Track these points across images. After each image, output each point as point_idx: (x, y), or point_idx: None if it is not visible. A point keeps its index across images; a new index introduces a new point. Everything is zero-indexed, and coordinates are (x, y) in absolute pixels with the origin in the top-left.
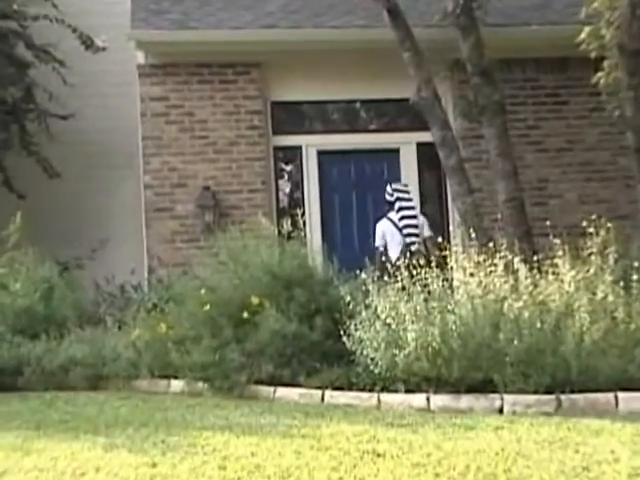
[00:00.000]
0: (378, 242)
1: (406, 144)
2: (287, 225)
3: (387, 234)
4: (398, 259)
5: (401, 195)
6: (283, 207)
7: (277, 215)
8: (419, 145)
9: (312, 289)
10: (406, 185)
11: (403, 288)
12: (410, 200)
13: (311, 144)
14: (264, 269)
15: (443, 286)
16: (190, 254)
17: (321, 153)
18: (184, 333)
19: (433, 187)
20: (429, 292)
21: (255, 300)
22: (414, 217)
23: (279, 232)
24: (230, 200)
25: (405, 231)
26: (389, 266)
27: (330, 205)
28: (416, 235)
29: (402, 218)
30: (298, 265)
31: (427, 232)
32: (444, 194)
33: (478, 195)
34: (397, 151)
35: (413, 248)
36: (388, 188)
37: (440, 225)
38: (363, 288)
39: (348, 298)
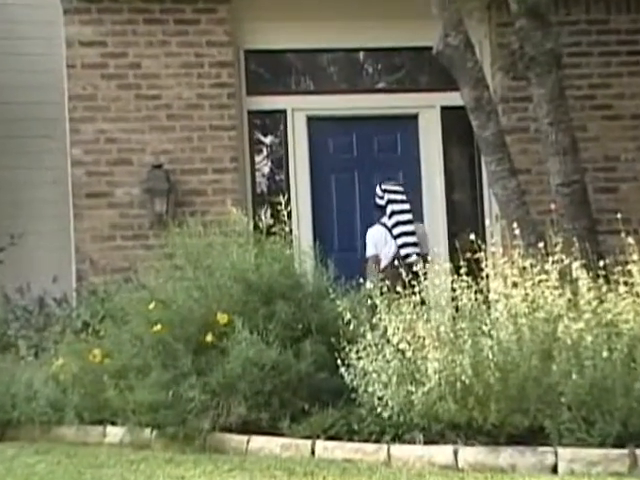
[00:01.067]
0: (370, 251)
1: (427, 109)
2: (266, 217)
3: (380, 243)
4: (386, 268)
5: (393, 197)
6: (261, 193)
7: (253, 204)
8: (444, 110)
9: (300, 303)
10: (400, 184)
11: (422, 302)
12: (405, 203)
13: (298, 108)
14: (235, 276)
15: (476, 300)
16: (135, 255)
17: (312, 120)
18: (126, 363)
19: (463, 167)
20: (457, 308)
21: (223, 318)
22: (410, 223)
23: (256, 226)
24: (190, 183)
25: (400, 240)
26: (382, 276)
27: (324, 190)
28: (414, 245)
29: (396, 225)
30: (281, 271)
31: (425, 247)
32: (478, 177)
33: (524, 178)
34: (415, 118)
35: (409, 260)
36: (377, 189)
37: (472, 218)
38: (368, 302)
39: (348, 316)
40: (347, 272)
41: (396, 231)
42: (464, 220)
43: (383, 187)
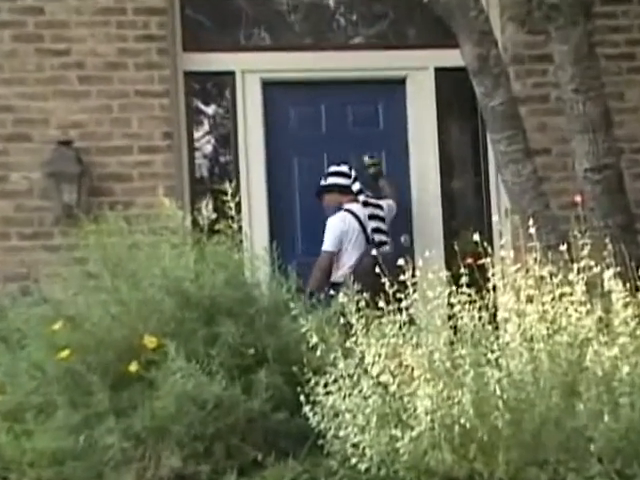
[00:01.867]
0: (330, 245)
1: (417, 71)
2: (208, 210)
3: (347, 234)
4: (354, 272)
5: (378, 170)
6: (202, 179)
7: (191, 193)
8: (440, 72)
9: (251, 322)
10: (372, 157)
11: (410, 322)
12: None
13: (251, 69)
14: (168, 287)
15: (480, 319)
16: (35, 259)
17: (269, 85)
18: (22, 400)
19: (463, 147)
20: (455, 330)
21: (151, 341)
22: (380, 207)
23: (195, 223)
24: (108, 165)
25: (372, 224)
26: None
27: (284, 177)
28: (386, 234)
29: (366, 205)
30: (227, 280)
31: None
32: (482, 159)
33: (542, 161)
34: (402, 82)
35: (385, 249)
36: (342, 167)
37: (475, 213)
38: (341, 321)
39: (314, 339)
40: None
41: (367, 211)
42: (465, 215)
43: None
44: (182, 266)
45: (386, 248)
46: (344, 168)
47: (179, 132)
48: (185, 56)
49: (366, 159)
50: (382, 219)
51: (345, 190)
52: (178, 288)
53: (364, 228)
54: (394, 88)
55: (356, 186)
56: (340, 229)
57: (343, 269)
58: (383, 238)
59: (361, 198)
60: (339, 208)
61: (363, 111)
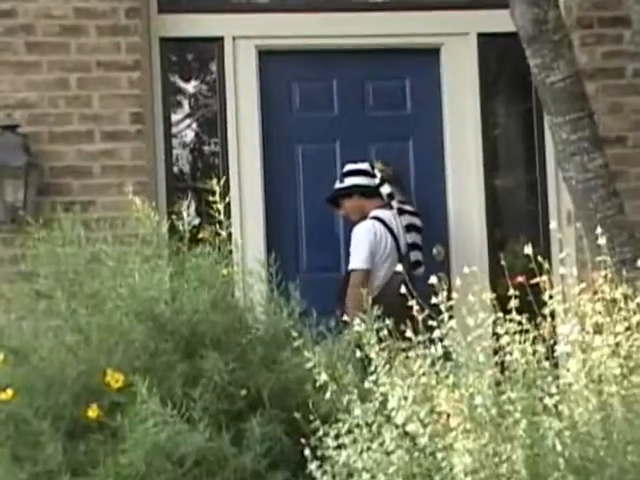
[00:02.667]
0: (361, 262)
1: (456, 37)
2: (190, 214)
3: (378, 249)
4: (379, 297)
5: (388, 177)
6: (181, 174)
7: (168, 191)
8: (484, 39)
9: (243, 355)
10: (387, 165)
11: (446, 357)
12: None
13: (243, 34)
14: (138, 310)
15: (534, 354)
16: None
17: (266, 54)
18: None
19: (513, 134)
20: (502, 367)
21: (116, 379)
22: (417, 215)
23: (172, 229)
24: (64, 156)
25: (408, 238)
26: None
27: (285, 171)
28: (420, 249)
29: (401, 213)
30: (213, 303)
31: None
32: (538, 150)
33: (616, 152)
34: (436, 52)
35: (420, 271)
36: (363, 165)
37: (527, 218)
38: (357, 354)
39: (323, 377)
40: (321, 304)
41: (404, 221)
42: (515, 221)
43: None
44: (156, 284)
45: (421, 270)
46: (364, 165)
47: (152, 114)
48: (161, 18)
49: (435, 251)
50: (420, 231)
51: (369, 193)
52: (151, 312)
53: (397, 242)
54: (425, 59)
55: (386, 188)
56: (370, 241)
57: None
58: (419, 257)
59: (394, 204)
60: (364, 217)
61: (386, 88)
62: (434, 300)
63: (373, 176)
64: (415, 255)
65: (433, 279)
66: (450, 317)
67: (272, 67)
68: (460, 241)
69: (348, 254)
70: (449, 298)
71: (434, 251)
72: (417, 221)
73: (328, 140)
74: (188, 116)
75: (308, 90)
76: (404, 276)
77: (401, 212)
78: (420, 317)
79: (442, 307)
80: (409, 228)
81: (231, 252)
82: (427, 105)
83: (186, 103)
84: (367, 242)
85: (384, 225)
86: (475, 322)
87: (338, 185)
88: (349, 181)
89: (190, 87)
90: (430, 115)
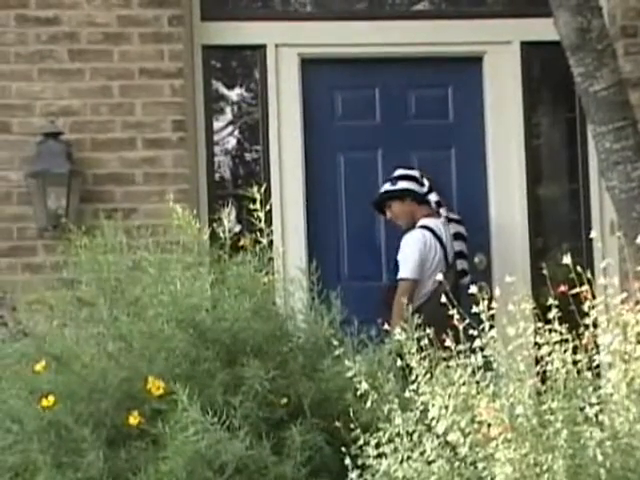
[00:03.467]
0: (410, 272)
1: (499, 45)
2: (231, 221)
3: (427, 258)
4: (424, 305)
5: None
6: (222, 181)
7: (210, 199)
8: (527, 48)
9: (284, 364)
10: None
11: (487, 367)
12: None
13: (287, 42)
14: (179, 318)
15: (576, 365)
16: (12, 281)
17: (308, 63)
18: None
19: (556, 144)
20: (543, 377)
21: (157, 387)
22: (463, 224)
23: (214, 237)
24: (106, 163)
25: (456, 246)
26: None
27: (327, 179)
28: (466, 257)
29: (449, 221)
30: (255, 311)
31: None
32: (581, 159)
33: None
34: (478, 60)
35: (466, 280)
36: (413, 171)
37: (570, 228)
38: (398, 364)
39: (364, 386)
40: (363, 313)
41: (451, 230)
42: (557, 230)
43: (420, 172)
44: (197, 292)
45: (467, 279)
46: (415, 172)
47: (195, 122)
48: (204, 26)
49: (476, 259)
50: (465, 239)
51: (420, 199)
52: (192, 320)
53: (445, 251)
54: (468, 68)
55: (433, 197)
56: (420, 251)
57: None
58: (465, 266)
59: (442, 212)
60: (413, 224)
61: (428, 97)
62: (475, 309)
63: (422, 184)
64: (461, 264)
65: (474, 288)
66: (491, 326)
67: (314, 75)
68: (502, 250)
69: (390, 262)
70: (490, 307)
71: (476, 260)
72: (462, 229)
73: (370, 148)
74: (230, 123)
75: (350, 98)
76: (447, 285)
77: (448, 220)
78: (461, 326)
79: (483, 316)
80: (456, 236)
81: (272, 260)
82: (469, 114)
83: (228, 110)
84: (417, 251)
85: (433, 234)
86: (516, 331)
87: (389, 187)
88: (402, 185)
89: (233, 94)
90: (472, 124)
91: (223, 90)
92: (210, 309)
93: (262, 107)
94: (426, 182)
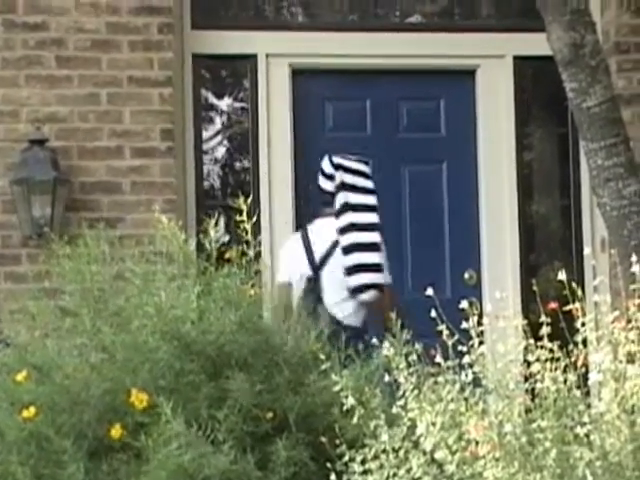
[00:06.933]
0: (280, 276)
1: (492, 59)
2: (218, 232)
3: (297, 265)
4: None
5: (350, 179)
6: (211, 191)
7: (197, 209)
8: (520, 62)
9: (270, 377)
10: (365, 163)
11: (475, 383)
12: (370, 193)
13: (278, 52)
14: (164, 330)
15: (566, 383)
16: None
17: (300, 73)
18: None
19: (548, 160)
20: (533, 395)
21: (140, 399)
22: (375, 228)
23: (200, 247)
24: (93, 172)
25: (352, 258)
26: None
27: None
28: (376, 269)
29: (350, 228)
30: (240, 323)
31: (388, 274)
32: (573, 175)
33: None
34: (471, 74)
35: (365, 297)
36: (326, 163)
37: (561, 244)
38: (386, 378)
39: (350, 400)
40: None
41: (349, 238)
42: (548, 247)
43: (336, 161)
44: (182, 303)
45: (370, 294)
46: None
47: (183, 131)
48: (194, 34)
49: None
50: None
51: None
52: (177, 331)
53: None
54: (461, 82)
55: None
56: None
57: None
58: (373, 279)
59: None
60: None
61: (420, 110)
62: (465, 325)
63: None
64: (361, 278)
65: (464, 303)
66: (480, 343)
67: (305, 86)
68: (492, 265)
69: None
70: (479, 323)
71: (466, 275)
72: (372, 238)
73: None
74: (219, 133)
75: (341, 110)
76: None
77: (351, 227)
78: (450, 342)
79: (472, 332)
80: (355, 248)
81: (259, 273)
82: (461, 127)
83: (218, 120)
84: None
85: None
86: (505, 348)
87: (323, 185)
88: (331, 184)
89: (222, 104)
90: (464, 138)
91: (213, 99)
92: (195, 321)
93: (252, 117)
94: (339, 176)
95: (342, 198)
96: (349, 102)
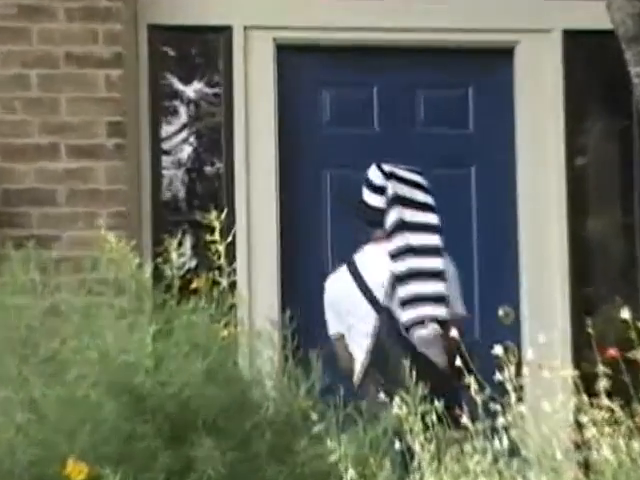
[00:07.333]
0: (332, 328)
1: (534, 34)
2: (183, 255)
3: (343, 306)
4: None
5: (407, 192)
6: (173, 202)
7: (155, 225)
8: (570, 38)
9: (248, 443)
10: (419, 173)
11: (512, 452)
12: (428, 209)
13: (259, 24)
14: (111, 382)
15: (628, 451)
16: None
17: (287, 49)
18: None
19: (607, 161)
20: (586, 465)
21: (79, 470)
22: (436, 252)
23: (158, 275)
24: (21, 177)
25: (409, 289)
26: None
27: (309, 200)
28: (435, 300)
29: (405, 252)
30: (210, 373)
31: (460, 306)
32: (638, 182)
33: None
34: (509, 53)
35: (422, 333)
36: (373, 172)
37: (623, 273)
38: (396, 445)
39: (351, 473)
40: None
41: (405, 265)
42: (606, 276)
43: (388, 170)
44: (135, 347)
45: (429, 330)
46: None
47: (137, 125)
48: (151, 0)
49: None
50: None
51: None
52: (127, 383)
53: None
54: (494, 63)
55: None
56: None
57: None
58: (428, 312)
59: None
60: None
61: (442, 99)
62: (499, 376)
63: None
64: (416, 311)
65: (498, 348)
66: (519, 399)
67: (295, 67)
68: (534, 300)
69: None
70: (518, 374)
71: (500, 312)
72: (432, 264)
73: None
74: (184, 128)
75: (341, 99)
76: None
77: (406, 251)
78: (479, 399)
79: (509, 386)
80: (413, 276)
81: (233, 307)
82: (495, 122)
83: (182, 111)
84: (332, 297)
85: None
86: (552, 407)
87: (369, 200)
88: (382, 200)
89: (188, 90)
90: (499, 135)
91: (176, 84)
92: (151, 370)
93: (226, 107)
94: (390, 187)
95: (395, 215)
96: (351, 89)
